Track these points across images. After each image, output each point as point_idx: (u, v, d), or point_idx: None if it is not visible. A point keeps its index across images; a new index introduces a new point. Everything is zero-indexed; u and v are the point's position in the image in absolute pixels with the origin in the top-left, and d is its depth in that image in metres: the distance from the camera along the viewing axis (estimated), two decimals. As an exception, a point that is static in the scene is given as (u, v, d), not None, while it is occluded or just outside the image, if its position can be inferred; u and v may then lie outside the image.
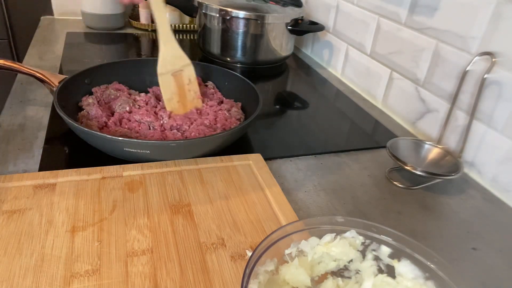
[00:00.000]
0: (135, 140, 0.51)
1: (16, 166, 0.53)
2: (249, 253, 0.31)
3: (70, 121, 0.51)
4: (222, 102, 0.70)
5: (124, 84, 0.71)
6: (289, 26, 0.96)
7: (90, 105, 0.62)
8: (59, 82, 0.61)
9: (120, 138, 0.50)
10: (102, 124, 0.59)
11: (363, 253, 0.36)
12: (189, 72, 0.67)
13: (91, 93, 0.66)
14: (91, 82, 0.66)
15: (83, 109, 0.62)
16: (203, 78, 0.76)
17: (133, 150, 0.51)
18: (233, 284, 0.38)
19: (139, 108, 0.64)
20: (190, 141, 0.54)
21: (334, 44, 1.01)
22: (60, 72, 0.83)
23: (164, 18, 0.64)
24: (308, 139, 0.69)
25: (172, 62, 0.65)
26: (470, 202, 0.57)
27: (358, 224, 0.36)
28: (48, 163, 0.54)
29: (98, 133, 0.52)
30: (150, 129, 0.60)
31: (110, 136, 0.50)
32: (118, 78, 0.71)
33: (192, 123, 0.61)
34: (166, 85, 0.64)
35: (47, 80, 0.62)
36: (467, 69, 0.61)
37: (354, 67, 0.94)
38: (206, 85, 0.74)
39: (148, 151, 0.51)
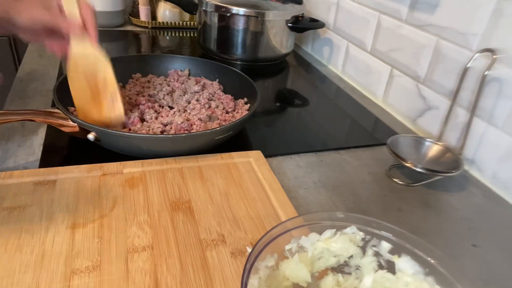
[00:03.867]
0: (155, 136, 0.51)
1: (16, 163, 0.53)
2: (249, 250, 0.31)
3: (80, 121, 0.52)
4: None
5: (122, 81, 0.71)
6: (289, 23, 0.96)
7: None
8: (57, 79, 0.61)
9: (141, 135, 0.51)
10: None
11: (363, 249, 0.36)
12: (105, 70, 0.57)
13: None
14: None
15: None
16: (203, 74, 0.76)
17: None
18: (234, 280, 0.38)
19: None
20: (193, 134, 0.54)
21: (334, 41, 1.01)
22: (60, 69, 0.83)
23: (75, 9, 0.53)
24: (309, 136, 0.68)
25: (85, 61, 0.55)
26: (470, 199, 0.57)
27: (358, 219, 0.36)
28: (48, 160, 0.54)
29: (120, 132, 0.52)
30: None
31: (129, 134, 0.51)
32: (118, 75, 0.71)
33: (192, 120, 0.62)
34: (76, 89, 0.56)
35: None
36: (467, 66, 0.61)
37: (354, 64, 0.94)
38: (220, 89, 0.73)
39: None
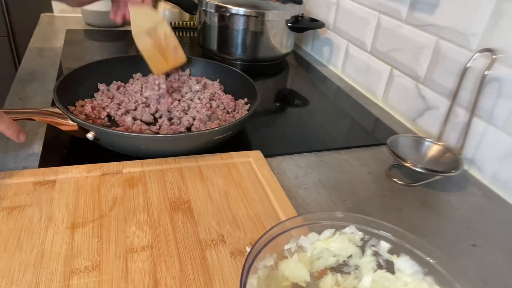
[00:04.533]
0: (154, 136, 0.51)
1: (16, 163, 0.53)
2: (249, 250, 0.31)
3: (79, 120, 0.52)
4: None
5: (122, 81, 0.71)
6: (289, 23, 0.96)
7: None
8: (57, 79, 0.61)
9: (140, 135, 0.51)
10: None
11: (362, 249, 0.36)
12: (164, 27, 0.68)
13: (86, 95, 0.66)
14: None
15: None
16: (204, 74, 0.76)
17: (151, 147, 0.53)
18: (233, 280, 0.38)
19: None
20: (192, 134, 0.54)
21: (334, 41, 1.01)
22: (60, 69, 0.83)
23: None
24: (308, 136, 0.68)
25: (144, 20, 0.66)
26: (470, 199, 0.57)
27: (358, 219, 0.36)
28: (48, 160, 0.54)
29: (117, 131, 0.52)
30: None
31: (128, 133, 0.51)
32: (117, 74, 0.71)
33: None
34: (144, 44, 0.67)
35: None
36: (467, 66, 0.61)
37: (354, 64, 0.94)
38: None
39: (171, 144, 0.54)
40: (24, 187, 0.46)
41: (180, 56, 0.71)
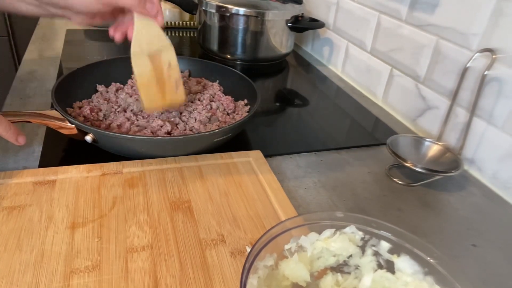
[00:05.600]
0: (153, 138, 0.51)
1: (16, 163, 0.53)
2: (249, 249, 0.31)
3: (77, 122, 0.52)
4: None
5: (122, 82, 0.71)
6: (289, 23, 0.96)
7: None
8: (56, 80, 0.61)
9: (139, 137, 0.50)
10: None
11: (362, 249, 0.36)
12: (169, 55, 0.57)
13: (85, 96, 0.66)
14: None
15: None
16: (203, 75, 0.76)
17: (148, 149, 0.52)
18: (233, 279, 0.38)
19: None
20: (191, 136, 0.54)
21: (334, 41, 1.01)
22: (60, 69, 0.83)
23: None
24: (308, 136, 0.68)
25: (149, 40, 0.54)
26: (470, 199, 0.57)
27: (358, 219, 0.36)
28: (48, 160, 0.54)
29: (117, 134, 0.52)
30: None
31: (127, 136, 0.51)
32: (117, 75, 0.71)
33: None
34: (141, 67, 0.55)
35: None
36: (467, 65, 0.61)
37: (354, 64, 0.94)
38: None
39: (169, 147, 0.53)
40: (24, 187, 0.46)
41: (180, 95, 0.60)
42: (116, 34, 0.55)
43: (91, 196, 0.46)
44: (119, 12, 0.53)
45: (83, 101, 0.64)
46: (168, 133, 0.58)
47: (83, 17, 0.52)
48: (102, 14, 0.52)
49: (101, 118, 0.61)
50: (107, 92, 0.68)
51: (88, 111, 0.60)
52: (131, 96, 0.66)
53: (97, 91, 0.68)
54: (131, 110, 0.62)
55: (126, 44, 0.56)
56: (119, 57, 0.72)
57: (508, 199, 0.58)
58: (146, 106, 0.58)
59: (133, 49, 0.54)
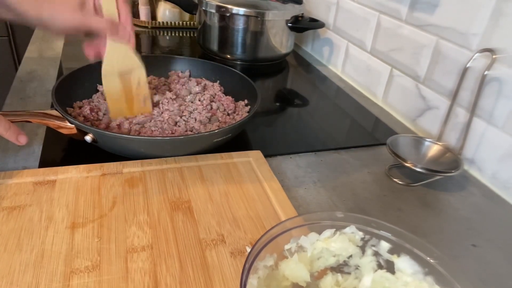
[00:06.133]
0: (155, 138, 0.51)
1: (16, 163, 0.53)
2: (249, 249, 0.31)
3: (78, 122, 0.52)
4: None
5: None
6: (289, 23, 0.96)
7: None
8: (56, 80, 0.61)
9: (139, 137, 0.50)
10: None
11: (362, 249, 0.36)
12: (140, 74, 0.60)
13: (85, 96, 0.66)
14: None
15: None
16: (203, 75, 0.76)
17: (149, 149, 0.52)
18: (233, 280, 0.38)
19: None
20: (191, 137, 0.54)
21: (334, 41, 1.01)
22: (60, 69, 0.83)
23: (114, 10, 0.55)
24: (308, 136, 0.68)
25: (120, 61, 0.57)
26: (470, 199, 0.57)
27: (358, 219, 0.36)
28: (48, 160, 0.54)
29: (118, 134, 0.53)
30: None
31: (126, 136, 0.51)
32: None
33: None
34: (111, 88, 0.59)
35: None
36: (467, 65, 0.61)
37: (354, 64, 0.94)
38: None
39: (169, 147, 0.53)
40: (24, 187, 0.46)
41: (147, 107, 0.63)
42: (90, 52, 0.57)
43: (91, 196, 0.46)
44: (92, 32, 0.55)
45: (84, 101, 0.64)
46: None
47: (57, 32, 0.53)
48: (75, 32, 0.53)
49: (101, 118, 0.61)
50: None
51: (88, 111, 0.60)
52: None
53: (97, 91, 0.68)
54: None
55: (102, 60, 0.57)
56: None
57: (508, 199, 0.58)
58: (112, 115, 0.61)
59: (104, 69, 0.57)
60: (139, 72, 0.60)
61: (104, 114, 0.61)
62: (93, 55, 0.57)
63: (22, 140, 0.48)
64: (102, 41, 0.56)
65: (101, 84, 0.68)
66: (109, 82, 0.58)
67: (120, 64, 0.58)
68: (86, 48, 0.57)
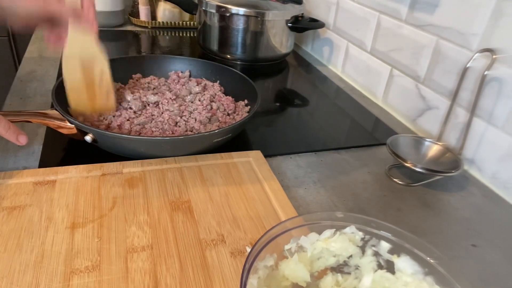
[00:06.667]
0: (157, 138, 0.51)
1: (16, 163, 0.53)
2: (249, 250, 0.31)
3: (78, 123, 0.52)
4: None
5: (122, 82, 0.71)
6: (289, 23, 0.96)
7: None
8: (56, 80, 0.61)
9: (139, 137, 0.50)
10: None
11: (362, 249, 0.36)
12: (102, 63, 0.58)
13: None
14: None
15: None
16: (203, 75, 0.76)
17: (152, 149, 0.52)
18: (233, 280, 0.38)
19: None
20: (191, 137, 0.54)
21: (334, 41, 1.01)
22: (60, 69, 0.82)
23: None
24: (308, 136, 0.68)
25: (82, 46, 0.55)
26: (470, 199, 0.57)
27: (358, 219, 0.36)
28: (48, 160, 0.54)
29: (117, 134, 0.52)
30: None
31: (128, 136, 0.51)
32: (117, 75, 0.71)
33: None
34: (71, 76, 0.56)
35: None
36: (467, 66, 0.61)
37: (354, 64, 0.94)
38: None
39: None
40: (24, 187, 0.46)
41: (110, 104, 0.60)
42: (51, 38, 0.56)
43: (91, 196, 0.46)
44: (54, 18, 0.54)
45: None
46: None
47: (18, 20, 0.51)
48: (37, 18, 0.52)
49: (101, 118, 0.61)
50: None
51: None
52: (132, 93, 0.66)
53: None
54: (130, 108, 0.63)
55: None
56: (119, 57, 0.72)
57: (508, 199, 0.58)
58: (73, 108, 0.58)
59: (65, 53, 0.55)
60: (101, 64, 0.58)
61: (104, 119, 0.62)
62: (54, 41, 0.55)
63: (22, 140, 0.48)
64: (64, 29, 0.54)
65: None
66: (70, 69, 0.56)
67: (82, 51, 0.55)
68: (47, 35, 0.56)
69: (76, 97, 0.57)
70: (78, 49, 0.55)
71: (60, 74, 0.80)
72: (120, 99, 0.64)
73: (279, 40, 0.97)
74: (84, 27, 0.54)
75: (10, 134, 0.47)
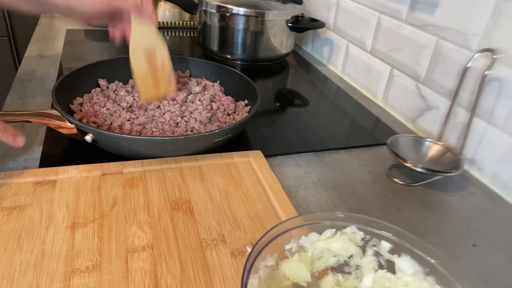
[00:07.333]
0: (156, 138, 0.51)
1: (16, 163, 0.53)
2: (249, 249, 0.31)
3: (77, 122, 0.52)
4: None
5: (123, 81, 0.71)
6: (289, 23, 0.96)
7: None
8: (56, 80, 0.61)
9: (139, 137, 0.50)
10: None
11: (363, 249, 0.36)
12: (163, 51, 0.63)
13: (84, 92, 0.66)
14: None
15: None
16: (203, 75, 0.76)
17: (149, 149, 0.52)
18: (234, 280, 0.38)
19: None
20: (191, 137, 0.54)
21: (334, 41, 1.01)
22: (60, 69, 0.83)
23: None
24: (309, 136, 0.68)
25: (144, 37, 0.60)
26: (470, 199, 0.57)
27: (358, 219, 0.36)
28: (48, 160, 0.54)
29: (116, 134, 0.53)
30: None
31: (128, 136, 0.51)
32: (117, 75, 0.71)
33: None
34: (138, 61, 0.61)
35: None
36: (467, 65, 0.61)
37: (354, 64, 0.94)
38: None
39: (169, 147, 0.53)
40: (24, 187, 0.46)
41: (172, 87, 0.66)
42: (116, 33, 0.61)
43: (92, 196, 0.46)
44: (117, 14, 0.58)
45: (84, 97, 0.65)
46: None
47: (83, 17, 0.56)
48: (101, 15, 0.57)
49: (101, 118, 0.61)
50: (108, 88, 0.68)
51: (91, 109, 0.60)
52: (129, 94, 0.66)
53: (98, 86, 0.68)
54: (130, 107, 0.63)
55: (125, 44, 0.58)
56: (119, 57, 0.72)
57: (508, 199, 0.58)
58: (143, 97, 0.63)
59: (132, 44, 0.60)
60: (162, 50, 0.63)
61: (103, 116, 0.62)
62: (119, 36, 0.61)
63: (20, 141, 0.47)
64: (126, 23, 0.59)
65: (102, 78, 0.69)
66: (137, 60, 0.61)
67: (145, 42, 0.61)
68: (112, 31, 0.61)
69: (143, 83, 0.62)
70: (142, 41, 0.60)
71: (60, 73, 0.80)
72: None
73: (279, 40, 0.97)
74: (145, 19, 0.59)
75: (7, 137, 0.46)
